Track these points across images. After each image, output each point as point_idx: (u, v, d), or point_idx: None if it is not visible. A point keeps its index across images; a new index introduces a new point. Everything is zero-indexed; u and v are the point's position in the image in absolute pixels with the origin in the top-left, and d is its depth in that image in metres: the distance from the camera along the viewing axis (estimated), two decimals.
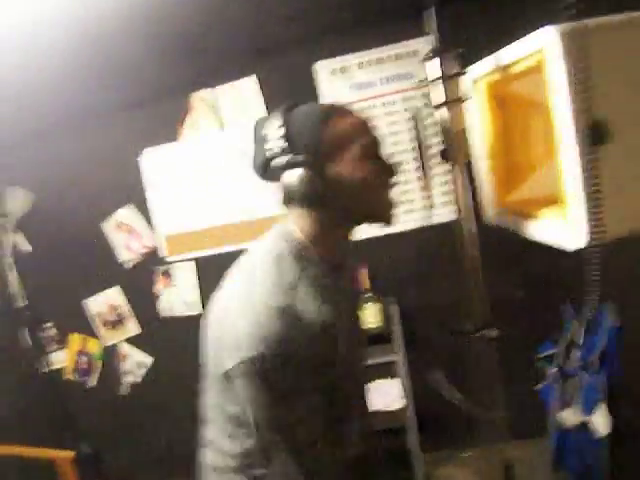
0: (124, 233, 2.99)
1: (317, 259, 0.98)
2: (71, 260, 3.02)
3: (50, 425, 3.05)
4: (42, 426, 2.97)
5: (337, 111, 0.98)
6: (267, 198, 2.62)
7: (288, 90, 2.62)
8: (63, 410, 3.15)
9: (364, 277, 2.56)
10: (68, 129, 2.87)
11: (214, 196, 2.84)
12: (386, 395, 2.50)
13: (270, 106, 2.68)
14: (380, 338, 2.49)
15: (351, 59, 2.59)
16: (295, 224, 1.00)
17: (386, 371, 2.58)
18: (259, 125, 0.99)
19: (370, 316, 2.51)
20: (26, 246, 3.10)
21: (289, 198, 0.97)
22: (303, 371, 0.89)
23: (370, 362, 2.72)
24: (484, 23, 2.25)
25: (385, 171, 0.99)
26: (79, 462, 2.72)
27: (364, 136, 0.97)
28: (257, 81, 2.67)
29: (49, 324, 3.15)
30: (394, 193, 1.02)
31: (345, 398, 1.05)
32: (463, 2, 2.20)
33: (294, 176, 0.93)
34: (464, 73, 1.18)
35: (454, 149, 1.18)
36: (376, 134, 1.01)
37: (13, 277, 3.00)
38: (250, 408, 0.91)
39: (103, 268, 3.02)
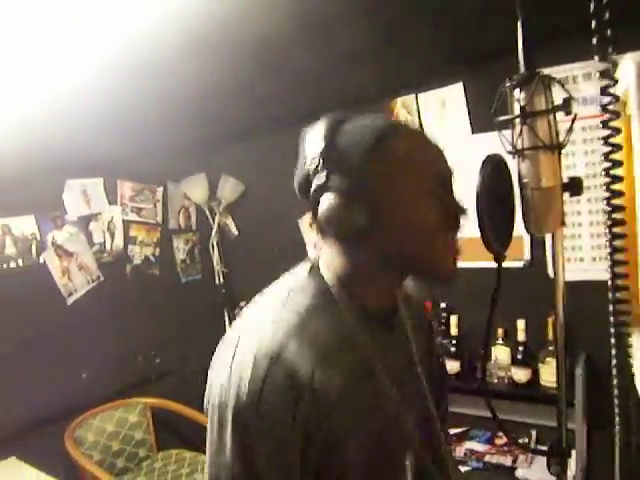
0: (315, 232, 3.05)
1: (343, 307, 0.78)
2: (269, 249, 3.20)
3: None
4: None
5: (400, 131, 0.77)
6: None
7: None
8: None
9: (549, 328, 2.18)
10: (277, 130, 3.02)
11: None
12: None
13: (473, 116, 2.44)
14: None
15: (575, 68, 2.18)
16: (326, 261, 0.82)
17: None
18: (304, 135, 0.82)
19: (547, 373, 2.13)
20: (234, 230, 3.40)
21: (321, 228, 0.80)
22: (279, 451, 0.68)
23: (549, 424, 2.36)
24: None
25: (448, 214, 0.76)
26: None
27: (428, 166, 0.76)
28: (463, 89, 2.45)
29: (243, 304, 3.42)
30: (455, 242, 0.78)
31: None
32: None
33: (327, 202, 0.75)
34: (560, 110, 0.80)
35: (532, 215, 0.83)
36: (446, 166, 0.78)
37: (216, 256, 3.32)
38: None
39: (293, 262, 3.14)
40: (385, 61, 2.27)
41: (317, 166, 0.76)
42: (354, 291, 0.79)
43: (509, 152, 0.81)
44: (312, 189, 0.78)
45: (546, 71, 2.08)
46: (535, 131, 0.77)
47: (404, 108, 2.65)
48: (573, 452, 2.08)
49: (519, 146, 0.80)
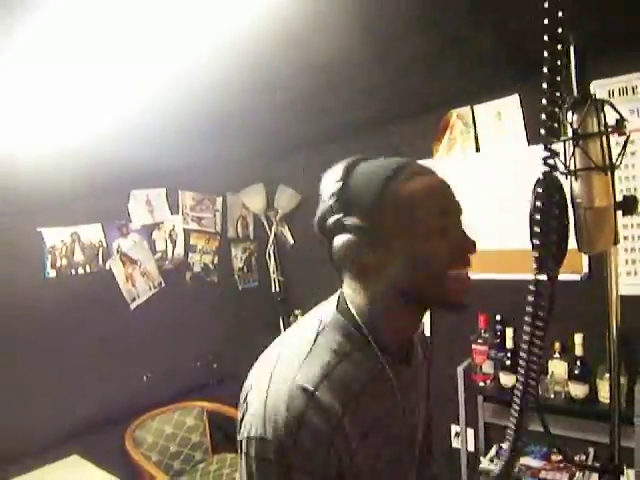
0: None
1: (371, 348, 0.80)
2: (324, 258, 3.24)
3: None
4: None
5: (408, 171, 0.80)
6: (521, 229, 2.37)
7: None
8: None
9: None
10: (334, 141, 3.06)
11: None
12: None
13: (529, 127, 2.41)
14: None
15: (634, 79, 2.10)
16: (349, 297, 0.84)
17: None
18: (323, 178, 0.87)
19: (605, 390, 2.08)
20: (290, 239, 3.47)
21: (337, 266, 0.84)
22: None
23: (607, 441, 2.27)
24: None
25: (457, 250, 0.79)
26: None
27: (435, 204, 0.78)
28: (519, 101, 2.42)
29: (297, 312, 3.48)
30: (465, 274, 0.81)
31: None
32: None
33: (341, 241, 0.79)
34: (613, 132, 0.79)
35: (584, 233, 0.82)
36: (454, 202, 0.82)
37: (273, 265, 3.40)
38: None
39: None
40: (441, 73, 2.27)
41: (332, 206, 0.80)
42: (377, 328, 0.82)
43: (562, 173, 0.81)
44: (327, 228, 0.82)
45: (605, 82, 2.03)
46: (587, 153, 0.77)
47: (459, 119, 2.64)
48: (631, 472, 2.02)
49: (572, 167, 0.81)
